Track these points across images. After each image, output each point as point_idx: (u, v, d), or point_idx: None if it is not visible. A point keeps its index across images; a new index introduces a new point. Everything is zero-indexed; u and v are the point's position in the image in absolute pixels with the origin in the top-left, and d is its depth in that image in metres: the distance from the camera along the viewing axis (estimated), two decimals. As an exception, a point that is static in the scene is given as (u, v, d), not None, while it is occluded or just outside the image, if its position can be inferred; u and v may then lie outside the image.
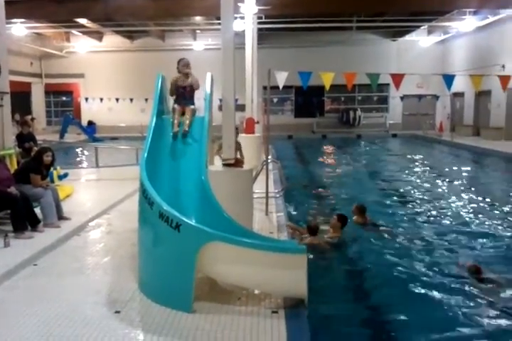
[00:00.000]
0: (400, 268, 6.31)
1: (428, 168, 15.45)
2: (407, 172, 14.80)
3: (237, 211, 5.34)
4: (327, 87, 9.27)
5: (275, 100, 27.91)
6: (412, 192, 11.59)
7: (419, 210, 9.61)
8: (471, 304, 5.27)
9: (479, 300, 5.38)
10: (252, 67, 14.15)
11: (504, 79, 9.57)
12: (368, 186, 12.42)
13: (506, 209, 9.70)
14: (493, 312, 5.09)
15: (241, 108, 13.68)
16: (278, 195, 9.44)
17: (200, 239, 4.30)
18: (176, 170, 5.64)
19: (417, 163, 16.61)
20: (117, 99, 27.23)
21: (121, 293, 4.77)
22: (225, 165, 6.43)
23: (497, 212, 9.52)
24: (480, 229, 8.23)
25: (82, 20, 21.77)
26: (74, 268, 5.50)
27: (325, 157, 19.11)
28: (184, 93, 6.29)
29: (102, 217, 7.93)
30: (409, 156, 18.63)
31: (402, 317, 4.96)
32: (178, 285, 4.43)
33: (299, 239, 7.04)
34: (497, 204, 10.12)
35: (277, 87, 9.15)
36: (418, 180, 13.27)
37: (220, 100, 6.49)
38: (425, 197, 10.86)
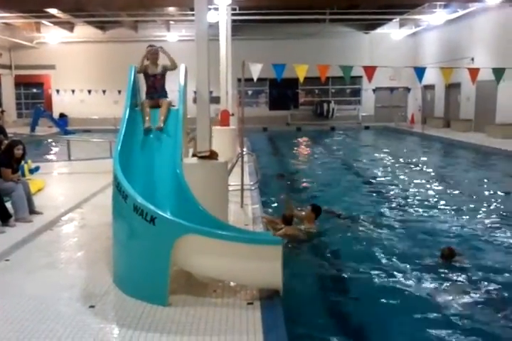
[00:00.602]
0: (373, 256, 6.44)
1: (399, 159, 15.78)
2: (379, 163, 15.13)
3: (212, 203, 5.34)
4: (301, 79, 9.32)
5: (250, 92, 27.86)
6: (384, 182, 11.86)
7: (390, 199, 9.86)
8: (443, 287, 5.48)
9: (451, 282, 5.61)
10: (227, 59, 14.07)
11: (473, 72, 9.80)
12: (342, 177, 12.61)
13: (473, 196, 10.06)
14: (465, 294, 5.29)
15: (216, 100, 13.59)
16: (253, 187, 9.45)
17: (176, 231, 4.29)
18: (150, 163, 5.60)
19: (388, 154, 16.91)
20: (89, 91, 26.82)
21: (96, 287, 4.73)
22: (199, 157, 6.41)
23: (464, 198, 9.87)
24: (449, 216, 8.54)
25: (53, 10, 21.32)
26: (47, 263, 5.43)
27: (300, 149, 19.27)
28: (155, 82, 6.20)
29: (75, 211, 7.83)
30: (381, 148, 18.97)
31: (377, 306, 5.05)
32: (153, 279, 4.41)
33: (274, 229, 7.08)
34: (464, 191, 10.52)
35: (252, 79, 9.15)
36: (389, 171, 13.57)
37: (195, 92, 6.44)
38: (396, 187, 11.15)
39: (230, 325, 3.96)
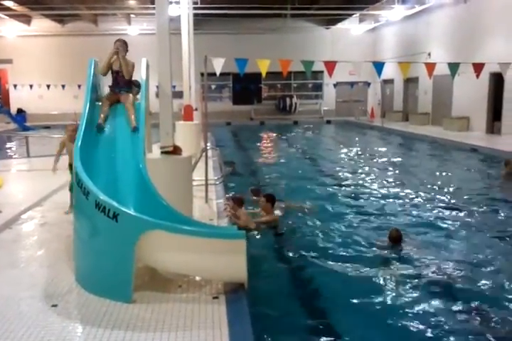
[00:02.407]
0: (333, 246, 6.61)
1: (359, 152, 16.20)
2: (339, 156, 15.48)
3: (176, 199, 5.31)
4: (263, 74, 9.36)
5: (213, 87, 27.74)
6: (343, 173, 12.19)
7: (348, 190, 10.17)
8: (391, 267, 5.84)
9: (399, 263, 5.94)
10: (189, 53, 13.94)
11: (430, 67, 10.14)
12: (303, 170, 12.83)
13: (428, 185, 10.47)
14: (410, 276, 5.56)
15: (179, 95, 13.50)
16: (218, 182, 9.45)
17: (139, 228, 4.26)
18: (112, 158, 5.50)
19: (348, 148, 17.28)
20: (48, 86, 26.18)
21: (58, 286, 4.65)
22: (163, 152, 6.36)
23: (421, 187, 10.27)
24: (403, 204, 8.94)
25: (8, 3, 20.69)
26: (7, 262, 5.30)
27: (263, 143, 19.42)
28: (117, 78, 6.10)
29: (34, 208, 7.65)
30: (341, 141, 19.37)
31: (338, 293, 5.18)
32: (117, 276, 4.37)
33: (234, 217, 7.11)
34: (419, 181, 10.94)
35: (215, 74, 9.11)
36: (349, 163, 13.91)
37: (157, 87, 6.38)
38: (355, 178, 11.50)
39: (195, 320, 3.97)
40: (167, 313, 4.09)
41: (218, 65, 8.68)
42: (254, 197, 8.44)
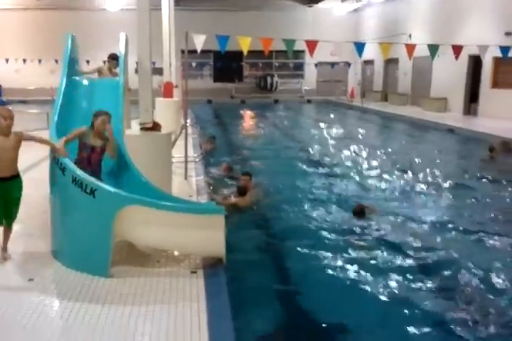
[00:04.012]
0: (307, 221, 6.84)
1: (338, 132, 16.38)
2: (318, 135, 15.61)
3: (155, 175, 5.30)
4: (245, 52, 9.30)
5: (194, 64, 27.37)
6: (321, 152, 12.39)
7: (325, 168, 10.40)
8: (356, 238, 6.16)
9: (365, 235, 6.27)
10: (170, 30, 13.71)
11: (410, 48, 10.24)
12: (282, 149, 12.94)
13: (401, 162, 10.89)
14: (373, 247, 5.88)
15: (159, 71, 13.31)
16: (197, 159, 9.44)
17: (117, 203, 4.25)
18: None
19: (327, 127, 17.41)
20: (24, 60, 25.52)
21: (34, 261, 4.64)
22: (142, 129, 6.32)
23: (397, 165, 10.62)
24: (376, 181, 9.25)
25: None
26: (-18, 237, 5.24)
27: (244, 121, 19.39)
28: (90, 156, 4.84)
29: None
30: (321, 120, 19.49)
31: (311, 268, 5.33)
32: (94, 251, 4.37)
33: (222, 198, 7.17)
34: (394, 160, 11.29)
35: (196, 51, 9.01)
36: (327, 143, 14.07)
37: (137, 63, 6.29)
38: (332, 156, 11.78)
39: (173, 294, 4.01)
40: (145, 288, 4.12)
41: (199, 42, 8.57)
42: (227, 173, 8.84)
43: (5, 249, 4.67)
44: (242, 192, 7.39)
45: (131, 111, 6.79)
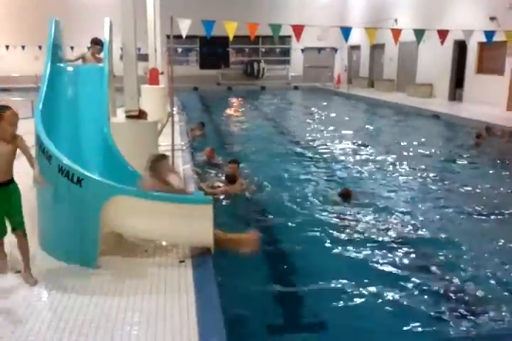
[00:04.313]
0: (294, 206, 6.94)
1: (323, 117, 16.50)
2: (304, 121, 15.71)
3: (142, 164, 5.23)
4: (231, 37, 9.22)
5: (180, 50, 27.12)
6: (307, 138, 12.53)
7: (311, 154, 10.53)
8: (341, 221, 6.32)
9: (349, 217, 6.46)
10: (154, 14, 13.49)
11: (396, 33, 10.30)
12: (268, 135, 13.00)
13: (386, 148, 11.06)
14: (356, 227, 6.08)
15: (144, 58, 13.15)
16: (184, 147, 9.38)
17: (104, 193, 4.20)
18: (75, 122, 5.35)
19: (314, 113, 17.47)
20: (7, 47, 25.05)
21: (21, 251, 4.57)
22: (128, 117, 6.24)
23: (382, 151, 10.84)
24: (363, 167, 9.38)
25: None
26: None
27: (230, 108, 19.31)
28: None
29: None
30: (308, 107, 19.54)
31: (304, 258, 5.33)
32: (82, 241, 4.33)
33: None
34: (381, 146, 11.44)
35: (181, 36, 8.89)
36: (313, 129, 14.18)
37: (122, 49, 6.18)
38: (317, 142, 11.92)
39: (161, 284, 4.00)
40: (133, 278, 4.10)
41: (184, 27, 8.45)
42: (211, 157, 9.05)
43: (27, 267, 4.11)
44: (231, 180, 7.39)
45: (116, 99, 6.69)
